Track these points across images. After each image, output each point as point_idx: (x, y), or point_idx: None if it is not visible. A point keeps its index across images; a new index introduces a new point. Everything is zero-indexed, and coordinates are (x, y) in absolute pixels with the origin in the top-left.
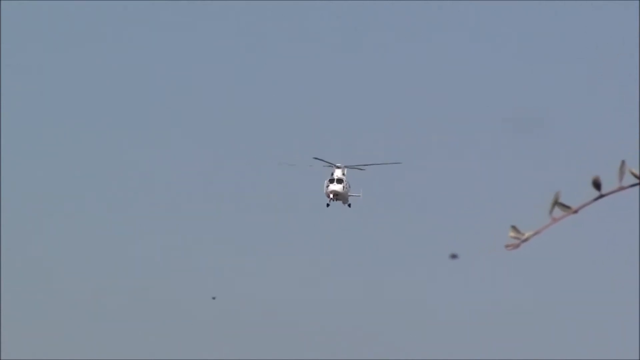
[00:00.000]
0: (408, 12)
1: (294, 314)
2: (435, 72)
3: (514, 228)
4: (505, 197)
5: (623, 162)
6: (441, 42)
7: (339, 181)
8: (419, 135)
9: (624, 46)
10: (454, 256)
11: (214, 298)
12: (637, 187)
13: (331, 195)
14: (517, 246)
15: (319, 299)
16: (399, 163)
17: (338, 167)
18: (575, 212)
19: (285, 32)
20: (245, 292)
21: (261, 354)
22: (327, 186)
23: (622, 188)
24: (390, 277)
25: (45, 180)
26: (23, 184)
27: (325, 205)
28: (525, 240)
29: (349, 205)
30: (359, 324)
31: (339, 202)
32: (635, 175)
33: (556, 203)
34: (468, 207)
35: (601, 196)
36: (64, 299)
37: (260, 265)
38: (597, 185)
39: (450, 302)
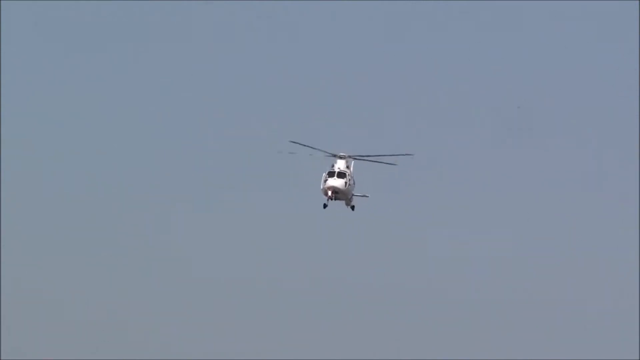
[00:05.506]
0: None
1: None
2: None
3: None
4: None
5: None
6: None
7: (341, 175)
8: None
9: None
10: None
11: None
12: None
13: (329, 193)
14: None
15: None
16: (410, 155)
17: (341, 158)
18: None
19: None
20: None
21: None
22: (325, 180)
23: None
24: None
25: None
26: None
27: (322, 206)
28: None
29: (352, 208)
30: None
31: (341, 203)
32: None
33: None
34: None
35: None
36: None
37: None
38: None
39: None
